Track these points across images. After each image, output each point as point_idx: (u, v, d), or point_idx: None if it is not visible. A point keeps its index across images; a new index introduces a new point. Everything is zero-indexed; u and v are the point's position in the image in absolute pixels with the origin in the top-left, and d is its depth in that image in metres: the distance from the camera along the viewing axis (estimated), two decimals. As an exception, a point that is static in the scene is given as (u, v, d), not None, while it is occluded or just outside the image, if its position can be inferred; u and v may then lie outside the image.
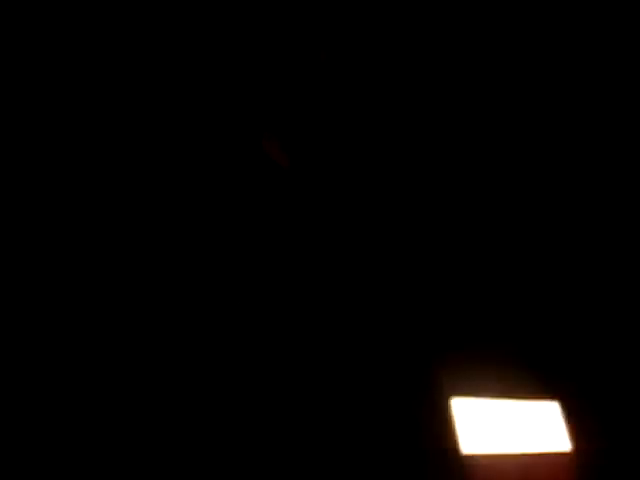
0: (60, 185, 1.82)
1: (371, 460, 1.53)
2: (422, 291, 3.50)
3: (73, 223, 1.79)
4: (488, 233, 3.64)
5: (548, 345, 3.34)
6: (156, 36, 2.06)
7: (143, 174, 1.78)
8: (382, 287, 3.46)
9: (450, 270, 3.58)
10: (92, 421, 1.65)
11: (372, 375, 1.62)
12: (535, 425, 3.08)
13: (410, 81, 3.53)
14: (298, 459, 1.50)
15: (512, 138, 3.62)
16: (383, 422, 1.50)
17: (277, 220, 1.74)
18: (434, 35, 3.37)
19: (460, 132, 3.71)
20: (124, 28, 2.01)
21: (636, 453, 3.00)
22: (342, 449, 1.44)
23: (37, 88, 1.93)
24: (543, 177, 3.60)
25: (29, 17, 2.09)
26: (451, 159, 3.77)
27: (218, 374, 1.65)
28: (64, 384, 1.67)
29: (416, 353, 3.05)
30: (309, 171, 1.93)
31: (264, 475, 1.51)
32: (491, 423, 2.96)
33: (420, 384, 2.85)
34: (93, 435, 1.64)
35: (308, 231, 1.79)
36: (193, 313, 1.70)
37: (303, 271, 1.58)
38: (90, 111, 1.90)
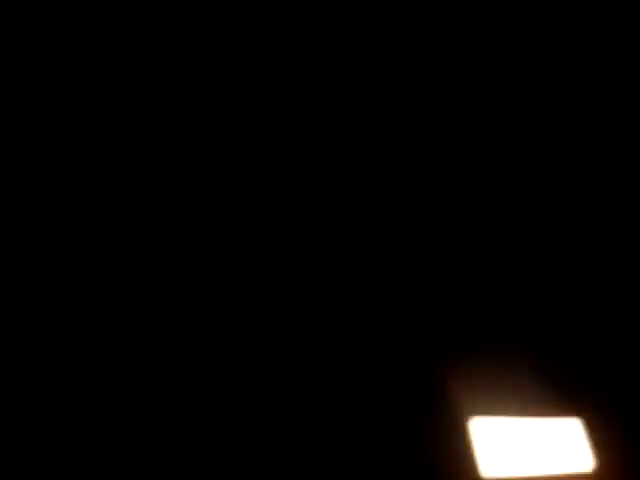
0: (58, 185, 1.78)
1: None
2: (435, 303, 3.44)
3: (71, 223, 1.76)
4: (500, 236, 3.59)
5: (568, 357, 3.26)
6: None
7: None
8: (390, 296, 3.39)
9: (465, 282, 3.52)
10: (93, 422, 1.61)
11: (384, 394, 1.56)
12: (558, 445, 3.00)
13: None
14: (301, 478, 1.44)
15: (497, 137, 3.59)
16: (396, 444, 1.43)
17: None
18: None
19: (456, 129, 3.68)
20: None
21: None
22: (350, 472, 1.38)
23: (37, 89, 1.89)
24: (547, 174, 3.57)
25: (29, 16, 2.06)
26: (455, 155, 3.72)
27: (218, 375, 1.60)
28: (67, 384, 1.63)
29: (431, 369, 2.95)
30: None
31: None
32: (512, 444, 2.88)
33: (436, 403, 2.76)
34: (94, 436, 1.60)
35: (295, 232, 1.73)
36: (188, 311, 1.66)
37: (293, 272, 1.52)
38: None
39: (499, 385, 2.98)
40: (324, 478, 1.36)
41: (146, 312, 1.68)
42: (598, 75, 3.24)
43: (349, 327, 1.54)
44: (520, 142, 3.53)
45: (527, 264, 3.53)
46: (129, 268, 1.71)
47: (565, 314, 3.35)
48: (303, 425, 1.41)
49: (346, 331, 1.52)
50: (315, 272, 1.51)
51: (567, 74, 3.28)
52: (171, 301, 1.68)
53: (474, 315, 3.39)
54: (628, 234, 3.34)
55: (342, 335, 1.51)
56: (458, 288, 3.48)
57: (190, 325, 1.64)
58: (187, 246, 1.80)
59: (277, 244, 1.63)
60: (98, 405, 1.62)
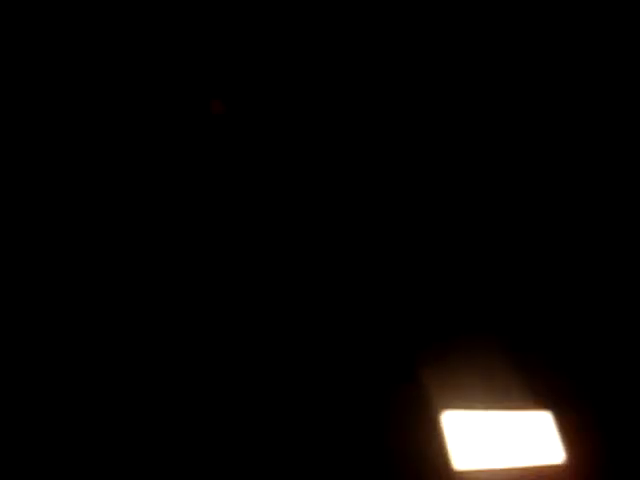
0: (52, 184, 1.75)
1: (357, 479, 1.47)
2: (407, 297, 3.42)
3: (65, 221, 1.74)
4: (476, 231, 3.55)
5: (539, 351, 3.26)
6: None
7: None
8: (365, 292, 3.38)
9: (438, 275, 3.49)
10: (93, 422, 1.60)
11: (356, 388, 1.54)
12: (529, 437, 3.01)
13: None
14: (278, 475, 1.44)
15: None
16: (368, 438, 1.42)
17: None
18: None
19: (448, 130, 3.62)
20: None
21: (635, 464, 2.92)
22: (324, 468, 1.37)
23: (36, 89, 1.86)
24: (538, 172, 3.52)
25: (30, 17, 2.03)
26: (440, 155, 3.66)
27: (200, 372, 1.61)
28: (65, 384, 1.62)
29: (403, 364, 2.96)
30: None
31: None
32: (483, 436, 2.89)
33: (408, 397, 2.77)
34: (94, 436, 1.59)
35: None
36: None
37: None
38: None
39: (471, 378, 2.99)
40: (296, 472, 1.36)
41: (148, 312, 1.68)
42: (598, 76, 3.16)
43: (322, 319, 1.51)
44: (517, 142, 3.47)
45: (500, 260, 3.50)
46: (130, 267, 1.70)
47: (536, 307, 3.33)
48: (269, 417, 1.40)
49: (319, 323, 1.49)
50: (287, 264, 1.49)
51: (567, 74, 3.21)
52: (173, 301, 1.67)
53: (445, 309, 3.37)
54: (592, 227, 3.29)
55: (314, 326, 1.49)
56: (429, 284, 3.45)
57: (187, 324, 1.63)
58: (188, 244, 1.79)
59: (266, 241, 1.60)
60: (100, 407, 1.61)
